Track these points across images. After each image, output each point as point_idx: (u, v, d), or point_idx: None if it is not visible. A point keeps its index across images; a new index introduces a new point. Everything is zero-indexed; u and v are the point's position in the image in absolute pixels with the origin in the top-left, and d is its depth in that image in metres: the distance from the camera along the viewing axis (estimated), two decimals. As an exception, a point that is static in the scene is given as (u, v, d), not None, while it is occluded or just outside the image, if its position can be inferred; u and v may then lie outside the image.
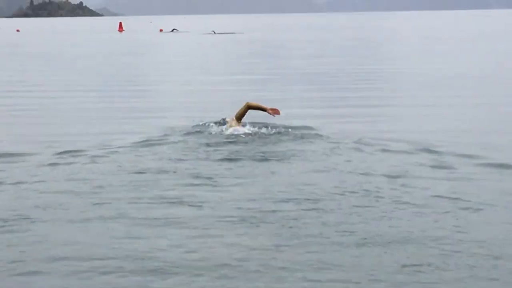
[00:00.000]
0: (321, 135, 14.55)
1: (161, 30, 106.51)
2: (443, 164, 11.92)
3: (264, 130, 14.90)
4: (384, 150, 13.09)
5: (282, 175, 11.38)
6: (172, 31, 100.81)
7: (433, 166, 11.76)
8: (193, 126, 15.46)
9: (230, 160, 12.43)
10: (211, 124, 15.46)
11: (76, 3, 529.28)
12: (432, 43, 57.43)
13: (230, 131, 14.79)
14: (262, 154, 12.81)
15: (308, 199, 9.81)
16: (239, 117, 15.07)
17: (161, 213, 9.33)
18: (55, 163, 12.36)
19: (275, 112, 15.15)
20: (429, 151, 12.90)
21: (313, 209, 9.39)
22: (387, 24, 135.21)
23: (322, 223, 8.82)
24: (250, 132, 14.78)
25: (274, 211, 9.33)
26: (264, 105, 15.26)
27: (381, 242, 8.12)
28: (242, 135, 14.55)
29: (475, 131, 15.69)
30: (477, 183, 10.77)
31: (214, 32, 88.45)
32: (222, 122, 15.41)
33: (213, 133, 14.84)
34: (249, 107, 15.06)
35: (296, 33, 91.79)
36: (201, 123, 15.61)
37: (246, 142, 13.89)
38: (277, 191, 10.29)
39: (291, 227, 8.68)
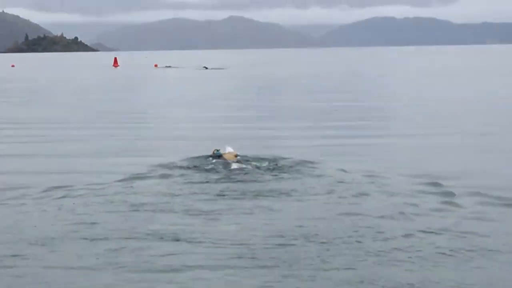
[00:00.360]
0: (318, 170, 14.52)
1: (155, 66, 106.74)
2: (445, 201, 11.85)
3: (259, 164, 14.92)
4: (382, 185, 13.09)
5: (280, 211, 11.29)
6: (166, 67, 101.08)
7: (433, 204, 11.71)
8: (187, 160, 15.46)
9: (226, 196, 12.35)
10: (207, 158, 15.53)
11: (71, 38, 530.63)
12: (428, 78, 57.59)
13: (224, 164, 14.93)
14: (258, 190, 12.74)
15: (307, 236, 9.71)
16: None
17: (158, 249, 9.24)
18: (46, 197, 12.33)
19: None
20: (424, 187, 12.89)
21: (312, 246, 9.29)
22: (382, 60, 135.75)
23: (322, 261, 8.73)
24: (244, 167, 14.75)
25: (271, 248, 9.24)
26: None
27: (380, 283, 8.02)
28: (237, 170, 14.52)
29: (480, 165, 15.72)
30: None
31: (206, 68, 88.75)
32: (216, 154, 15.55)
33: (208, 167, 14.80)
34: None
35: (291, 68, 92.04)
36: (195, 157, 15.69)
37: (242, 179, 13.80)
38: (275, 227, 10.20)
39: (289, 265, 8.58)
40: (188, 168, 14.80)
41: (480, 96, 37.78)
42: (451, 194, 12.24)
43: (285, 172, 14.25)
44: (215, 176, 13.99)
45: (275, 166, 14.81)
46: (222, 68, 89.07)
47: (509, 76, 59.49)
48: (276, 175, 14.00)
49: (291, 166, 14.84)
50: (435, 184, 13.03)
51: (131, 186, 13.18)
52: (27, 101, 39.98)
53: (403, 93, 40.70)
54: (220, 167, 14.77)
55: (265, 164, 14.98)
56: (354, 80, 57.75)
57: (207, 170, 14.56)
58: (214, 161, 15.25)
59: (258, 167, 14.72)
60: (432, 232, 9.87)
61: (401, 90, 44.16)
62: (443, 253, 8.97)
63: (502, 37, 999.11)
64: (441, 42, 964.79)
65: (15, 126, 26.24)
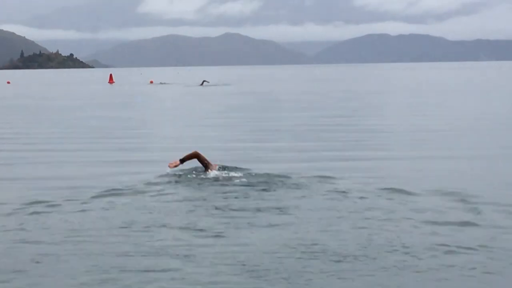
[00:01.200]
0: (318, 184, 14.57)
1: (151, 82, 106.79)
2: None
3: (236, 174, 15.53)
4: (378, 196, 13.25)
5: (280, 227, 11.22)
6: (160, 83, 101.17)
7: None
8: (178, 176, 15.61)
9: (224, 211, 12.33)
10: (193, 172, 15.80)
11: (66, 55, 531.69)
12: (422, 95, 57.74)
13: (212, 174, 15.47)
14: (257, 205, 12.72)
15: (310, 252, 9.66)
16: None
17: (156, 265, 9.17)
18: (40, 213, 12.30)
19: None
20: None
21: (315, 261, 9.26)
22: (377, 76, 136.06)
23: (327, 276, 8.71)
24: (225, 175, 15.36)
25: (274, 263, 9.20)
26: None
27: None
28: (227, 184, 14.65)
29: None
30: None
31: (207, 82, 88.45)
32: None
33: (200, 182, 15.00)
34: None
35: (286, 85, 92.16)
36: (181, 173, 15.80)
37: (234, 191, 13.89)
38: (276, 243, 10.14)
39: (292, 282, 8.54)
40: (180, 182, 14.97)
41: (491, 112, 37.79)
42: (473, 209, 12.33)
43: (297, 188, 14.30)
44: (211, 190, 14.02)
45: (281, 180, 14.93)
46: (218, 85, 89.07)
47: None
48: (276, 190, 14.04)
49: (291, 180, 14.96)
50: (453, 199, 13.20)
51: (128, 201, 13.20)
52: (22, 118, 39.83)
53: (403, 110, 40.70)
54: (208, 181, 15.04)
55: (239, 174, 15.46)
56: (354, 97, 57.75)
57: (202, 184, 14.71)
58: (201, 175, 15.52)
59: (236, 177, 15.16)
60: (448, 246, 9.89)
61: (404, 106, 44.16)
62: (473, 269, 9.02)
63: (496, 54, 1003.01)
64: (436, 58, 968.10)
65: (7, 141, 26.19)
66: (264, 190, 14.09)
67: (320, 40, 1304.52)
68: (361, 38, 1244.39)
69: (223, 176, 15.37)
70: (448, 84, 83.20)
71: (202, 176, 15.49)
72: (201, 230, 11.00)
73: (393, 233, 10.54)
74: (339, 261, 9.26)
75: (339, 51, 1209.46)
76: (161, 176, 15.79)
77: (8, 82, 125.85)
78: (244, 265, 9.21)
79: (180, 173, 15.80)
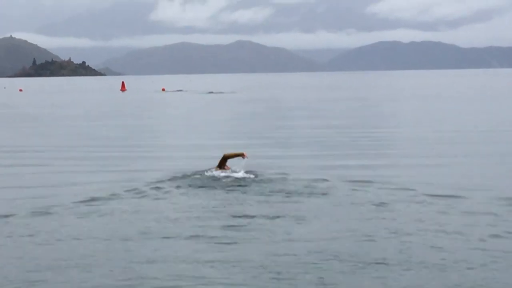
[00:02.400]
0: (332, 190, 14.60)
1: (163, 90, 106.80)
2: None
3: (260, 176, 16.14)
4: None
5: (298, 233, 11.12)
6: (178, 90, 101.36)
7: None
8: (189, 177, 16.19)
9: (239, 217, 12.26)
10: (203, 172, 16.64)
11: (78, 63, 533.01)
12: (436, 102, 57.48)
13: (218, 173, 16.50)
14: (275, 212, 12.63)
15: (331, 259, 9.55)
16: (220, 166, 16.78)
17: (174, 272, 9.09)
18: (40, 221, 12.31)
19: (245, 155, 16.74)
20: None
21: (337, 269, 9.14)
22: (390, 83, 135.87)
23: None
24: (244, 176, 16.08)
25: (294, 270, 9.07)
26: (237, 152, 17.15)
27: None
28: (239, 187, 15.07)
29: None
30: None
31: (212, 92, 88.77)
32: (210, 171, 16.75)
33: (210, 179, 15.86)
34: (226, 157, 16.86)
35: (300, 92, 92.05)
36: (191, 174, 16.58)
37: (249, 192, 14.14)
38: (293, 251, 10.00)
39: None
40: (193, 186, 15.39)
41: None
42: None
43: (322, 194, 14.37)
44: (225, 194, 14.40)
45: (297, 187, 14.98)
46: (232, 92, 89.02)
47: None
48: (290, 196, 14.06)
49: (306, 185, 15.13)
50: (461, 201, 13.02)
51: (139, 207, 13.24)
52: (35, 127, 39.75)
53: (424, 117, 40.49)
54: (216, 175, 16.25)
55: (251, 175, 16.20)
56: (371, 104, 57.57)
57: (213, 186, 15.29)
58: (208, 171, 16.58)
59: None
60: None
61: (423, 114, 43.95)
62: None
63: (509, 61, 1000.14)
64: (448, 66, 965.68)
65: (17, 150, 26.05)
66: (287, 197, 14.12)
67: (332, 48, 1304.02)
68: (373, 46, 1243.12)
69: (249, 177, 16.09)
70: (466, 91, 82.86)
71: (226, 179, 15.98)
72: (214, 236, 10.91)
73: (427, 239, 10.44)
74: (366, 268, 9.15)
75: (351, 58, 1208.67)
76: (181, 179, 16.11)
77: (21, 90, 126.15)
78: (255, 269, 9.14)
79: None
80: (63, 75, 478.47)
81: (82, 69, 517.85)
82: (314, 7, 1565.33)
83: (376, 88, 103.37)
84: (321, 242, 10.45)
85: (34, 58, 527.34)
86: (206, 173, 16.49)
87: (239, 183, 15.39)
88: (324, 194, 14.34)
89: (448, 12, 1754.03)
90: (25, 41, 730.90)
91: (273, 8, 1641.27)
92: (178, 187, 15.20)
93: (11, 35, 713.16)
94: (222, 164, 16.78)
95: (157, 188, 15.11)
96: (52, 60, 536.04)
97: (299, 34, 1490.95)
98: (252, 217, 12.29)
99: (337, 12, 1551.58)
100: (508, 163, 19.81)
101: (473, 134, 28.95)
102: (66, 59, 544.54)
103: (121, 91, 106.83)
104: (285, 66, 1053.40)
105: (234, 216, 12.35)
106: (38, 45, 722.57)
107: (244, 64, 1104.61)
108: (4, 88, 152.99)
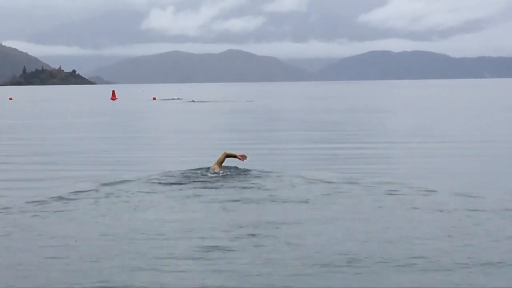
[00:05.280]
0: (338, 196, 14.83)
1: (154, 99, 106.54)
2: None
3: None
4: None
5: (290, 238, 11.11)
6: (173, 99, 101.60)
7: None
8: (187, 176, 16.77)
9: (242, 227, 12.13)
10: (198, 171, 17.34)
11: (69, 71, 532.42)
12: (430, 113, 57.32)
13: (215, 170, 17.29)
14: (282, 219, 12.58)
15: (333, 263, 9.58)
16: (220, 164, 17.63)
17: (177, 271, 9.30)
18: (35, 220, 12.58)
19: (243, 157, 17.60)
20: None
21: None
22: (380, 94, 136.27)
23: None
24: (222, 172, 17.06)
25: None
26: (236, 153, 17.79)
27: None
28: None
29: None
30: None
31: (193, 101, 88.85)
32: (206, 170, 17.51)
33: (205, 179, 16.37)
34: (227, 155, 17.60)
35: (290, 101, 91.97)
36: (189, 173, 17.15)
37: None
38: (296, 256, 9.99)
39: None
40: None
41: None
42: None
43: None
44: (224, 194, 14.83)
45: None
46: (227, 101, 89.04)
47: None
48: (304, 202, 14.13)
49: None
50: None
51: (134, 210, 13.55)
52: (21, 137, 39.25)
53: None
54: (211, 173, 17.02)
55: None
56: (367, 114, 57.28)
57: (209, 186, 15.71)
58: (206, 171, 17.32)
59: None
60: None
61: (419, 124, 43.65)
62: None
63: (499, 71, 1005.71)
64: (439, 75, 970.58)
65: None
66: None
67: (323, 57, 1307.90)
68: (364, 55, 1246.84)
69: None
70: (462, 101, 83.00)
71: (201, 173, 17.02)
72: (220, 242, 10.89)
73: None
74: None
75: (342, 68, 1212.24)
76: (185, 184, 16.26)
77: (11, 98, 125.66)
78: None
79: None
80: (53, 83, 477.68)
81: (72, 78, 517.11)
82: (306, 16, 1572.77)
83: (368, 98, 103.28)
84: (318, 247, 10.46)
85: (24, 66, 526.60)
86: (200, 172, 17.20)
87: (234, 185, 15.75)
88: (320, 200, 14.36)
89: (440, 22, 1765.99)
90: (15, 49, 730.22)
91: (265, 17, 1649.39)
92: (170, 184, 15.80)
93: (1, 43, 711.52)
94: (221, 162, 17.54)
95: (148, 189, 15.50)
96: (43, 68, 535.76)
97: (290, 44, 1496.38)
98: (248, 221, 12.36)
99: (329, 22, 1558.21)
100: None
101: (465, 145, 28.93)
102: (57, 67, 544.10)
103: (111, 100, 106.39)
104: (276, 75, 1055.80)
105: (230, 220, 12.46)
106: (29, 53, 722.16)
107: (235, 73, 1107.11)
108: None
